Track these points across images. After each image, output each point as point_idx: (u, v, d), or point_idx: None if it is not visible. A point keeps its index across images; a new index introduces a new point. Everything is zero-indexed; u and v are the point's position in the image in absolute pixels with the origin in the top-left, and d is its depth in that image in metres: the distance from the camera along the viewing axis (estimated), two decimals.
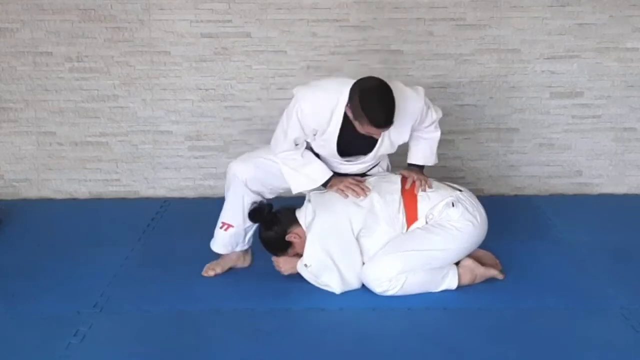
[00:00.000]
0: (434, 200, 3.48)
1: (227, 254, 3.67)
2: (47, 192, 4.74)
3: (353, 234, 3.40)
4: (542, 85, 4.64)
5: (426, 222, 3.46)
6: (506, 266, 3.61)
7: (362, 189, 3.48)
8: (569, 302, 3.35)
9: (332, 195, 3.49)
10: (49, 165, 4.71)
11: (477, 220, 3.47)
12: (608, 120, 4.69)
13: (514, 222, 4.25)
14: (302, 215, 3.50)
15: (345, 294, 3.40)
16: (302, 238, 3.47)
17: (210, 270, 3.62)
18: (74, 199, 4.74)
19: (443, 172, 4.46)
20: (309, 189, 3.55)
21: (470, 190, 3.70)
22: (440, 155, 4.63)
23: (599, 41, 4.58)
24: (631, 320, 3.16)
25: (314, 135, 3.42)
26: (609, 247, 3.91)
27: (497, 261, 3.62)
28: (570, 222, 4.25)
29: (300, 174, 3.51)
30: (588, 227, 4.20)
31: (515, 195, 4.74)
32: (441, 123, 4.62)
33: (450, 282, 3.44)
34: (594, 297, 3.39)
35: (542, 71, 4.62)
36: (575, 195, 4.74)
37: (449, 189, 3.57)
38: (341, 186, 3.49)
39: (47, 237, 4.12)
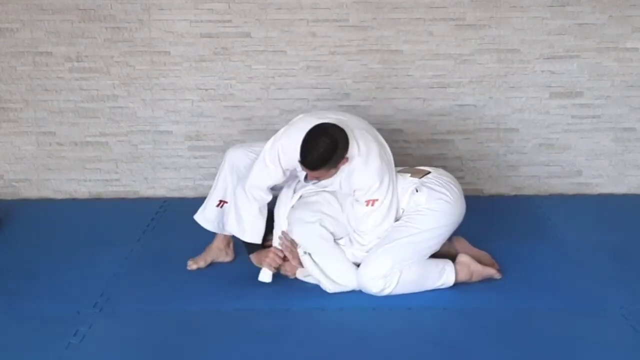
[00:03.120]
0: (400, 196, 3.47)
1: (210, 247, 3.70)
2: (47, 192, 4.74)
3: (331, 234, 3.47)
4: (541, 85, 4.64)
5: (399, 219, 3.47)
6: (506, 266, 3.61)
7: (291, 257, 3.51)
8: (569, 302, 3.35)
9: (302, 209, 3.52)
10: (48, 165, 4.71)
11: (447, 196, 3.46)
12: (608, 120, 4.68)
13: (513, 222, 4.26)
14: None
15: (345, 293, 3.40)
16: None
17: (193, 264, 3.65)
18: (74, 199, 4.74)
19: None
20: (234, 233, 3.56)
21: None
22: (440, 155, 4.69)
23: (599, 41, 4.58)
24: (631, 320, 3.15)
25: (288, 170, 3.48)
26: (608, 247, 3.90)
27: (494, 261, 3.62)
28: (569, 222, 4.25)
29: (238, 218, 3.51)
30: (588, 227, 4.20)
31: (515, 195, 4.74)
32: (441, 123, 4.68)
33: (447, 277, 3.43)
34: (594, 297, 3.39)
35: (542, 71, 4.62)
36: (574, 195, 4.74)
37: (412, 178, 3.50)
38: (266, 260, 3.49)
39: (47, 237, 4.12)
